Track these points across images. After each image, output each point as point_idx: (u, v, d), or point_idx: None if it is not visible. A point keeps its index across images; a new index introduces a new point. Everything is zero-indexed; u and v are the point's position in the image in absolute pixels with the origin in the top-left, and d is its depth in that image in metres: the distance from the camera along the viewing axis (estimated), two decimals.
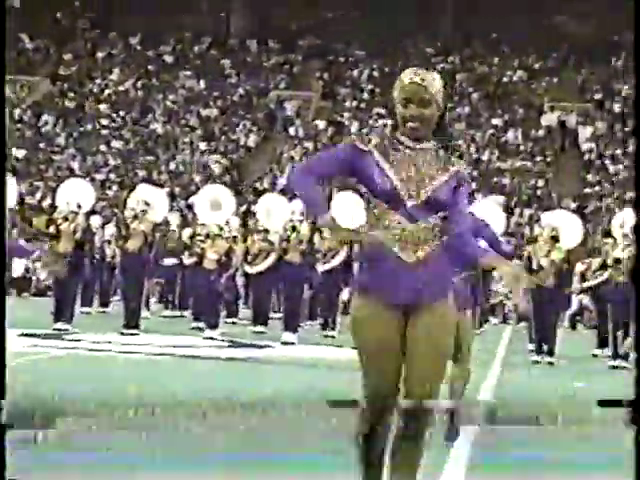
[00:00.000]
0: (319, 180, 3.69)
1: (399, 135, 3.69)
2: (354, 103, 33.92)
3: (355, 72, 35.25)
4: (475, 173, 30.08)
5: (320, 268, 15.66)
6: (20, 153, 30.22)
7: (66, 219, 13.86)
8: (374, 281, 3.66)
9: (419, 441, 3.68)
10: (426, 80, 3.64)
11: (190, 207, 25.75)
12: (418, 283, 3.63)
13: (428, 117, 3.65)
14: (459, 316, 6.35)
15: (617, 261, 13.15)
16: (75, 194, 15.26)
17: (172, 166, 31.00)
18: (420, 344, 3.65)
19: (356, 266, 3.94)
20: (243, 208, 23.90)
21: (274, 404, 7.03)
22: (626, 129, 32.55)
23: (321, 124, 33.15)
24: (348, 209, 15.87)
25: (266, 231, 16.33)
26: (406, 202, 3.63)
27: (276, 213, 16.75)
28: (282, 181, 29.55)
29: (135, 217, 13.98)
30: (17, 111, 32.14)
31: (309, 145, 32.07)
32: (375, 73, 34.55)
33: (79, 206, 14.12)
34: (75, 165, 30.50)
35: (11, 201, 15.91)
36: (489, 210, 13.36)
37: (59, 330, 13.15)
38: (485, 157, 31.80)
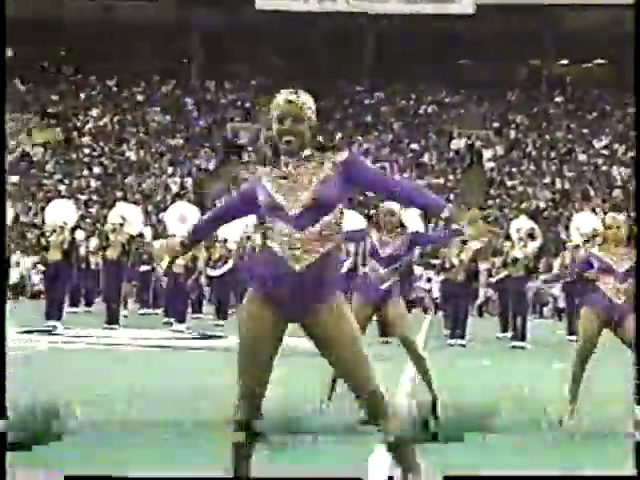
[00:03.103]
0: (214, 220, 3.63)
1: (279, 154, 3.44)
2: None
3: None
4: None
5: None
6: (15, 178, 29.73)
7: (54, 232, 13.66)
8: (263, 285, 3.30)
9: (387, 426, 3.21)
10: (299, 99, 3.37)
11: (161, 222, 25.56)
12: (304, 291, 3.23)
13: (301, 132, 3.36)
14: (396, 305, 6.27)
15: (515, 260, 13.29)
16: (61, 212, 15.07)
17: (144, 187, 30.73)
18: (332, 352, 3.25)
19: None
20: None
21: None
22: (520, 153, 32.97)
23: (269, 151, 33.06)
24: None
25: (225, 240, 16.28)
26: (288, 212, 3.28)
27: (233, 225, 16.68)
28: None
29: (114, 230, 13.83)
30: (12, 143, 31.63)
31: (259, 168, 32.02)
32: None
33: (65, 222, 13.92)
34: (62, 188, 30.10)
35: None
36: (412, 219, 13.42)
37: (50, 327, 12.96)
38: (406, 176, 31.97)
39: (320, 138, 3.49)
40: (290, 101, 3.38)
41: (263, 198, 3.38)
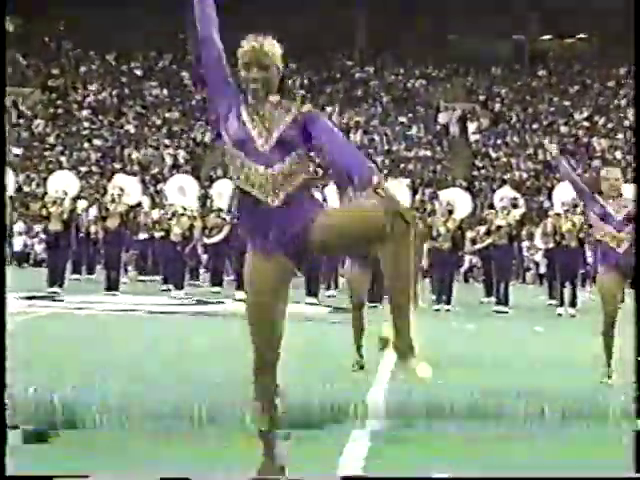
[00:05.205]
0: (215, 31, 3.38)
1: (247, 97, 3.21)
2: None
3: (290, 81, 35.07)
4: (387, 161, 30.19)
5: None
6: (18, 150, 29.58)
7: (55, 203, 13.58)
8: (251, 231, 3.16)
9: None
10: (265, 45, 3.18)
11: (158, 192, 25.47)
12: (287, 226, 3.08)
13: (268, 79, 3.17)
14: None
15: (498, 228, 13.29)
16: (62, 183, 14.98)
17: (142, 159, 30.60)
18: (332, 233, 3.07)
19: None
20: (201, 192, 23.69)
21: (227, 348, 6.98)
22: (505, 125, 32.89)
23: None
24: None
25: (220, 210, 16.23)
26: (259, 148, 3.13)
27: (228, 195, 16.63)
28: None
29: (113, 201, 13.77)
30: (14, 116, 31.40)
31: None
32: (306, 81, 34.37)
33: (65, 193, 13.83)
34: (63, 159, 29.95)
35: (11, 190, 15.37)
36: (399, 189, 13.35)
37: (52, 293, 12.94)
38: (395, 148, 31.88)
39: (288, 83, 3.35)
40: (255, 48, 3.19)
41: (236, 125, 3.16)
